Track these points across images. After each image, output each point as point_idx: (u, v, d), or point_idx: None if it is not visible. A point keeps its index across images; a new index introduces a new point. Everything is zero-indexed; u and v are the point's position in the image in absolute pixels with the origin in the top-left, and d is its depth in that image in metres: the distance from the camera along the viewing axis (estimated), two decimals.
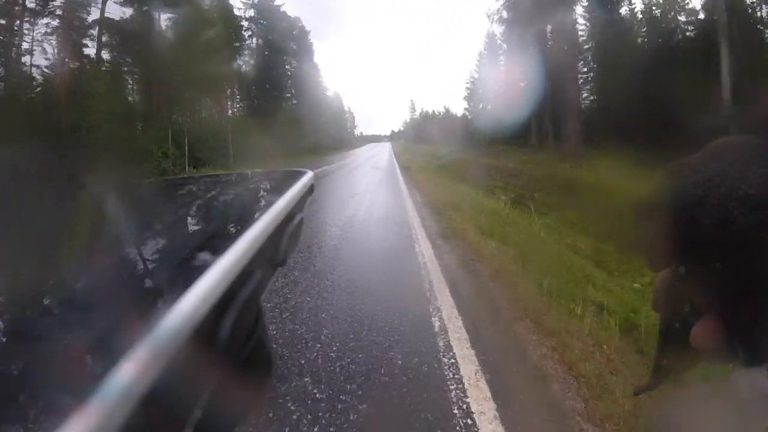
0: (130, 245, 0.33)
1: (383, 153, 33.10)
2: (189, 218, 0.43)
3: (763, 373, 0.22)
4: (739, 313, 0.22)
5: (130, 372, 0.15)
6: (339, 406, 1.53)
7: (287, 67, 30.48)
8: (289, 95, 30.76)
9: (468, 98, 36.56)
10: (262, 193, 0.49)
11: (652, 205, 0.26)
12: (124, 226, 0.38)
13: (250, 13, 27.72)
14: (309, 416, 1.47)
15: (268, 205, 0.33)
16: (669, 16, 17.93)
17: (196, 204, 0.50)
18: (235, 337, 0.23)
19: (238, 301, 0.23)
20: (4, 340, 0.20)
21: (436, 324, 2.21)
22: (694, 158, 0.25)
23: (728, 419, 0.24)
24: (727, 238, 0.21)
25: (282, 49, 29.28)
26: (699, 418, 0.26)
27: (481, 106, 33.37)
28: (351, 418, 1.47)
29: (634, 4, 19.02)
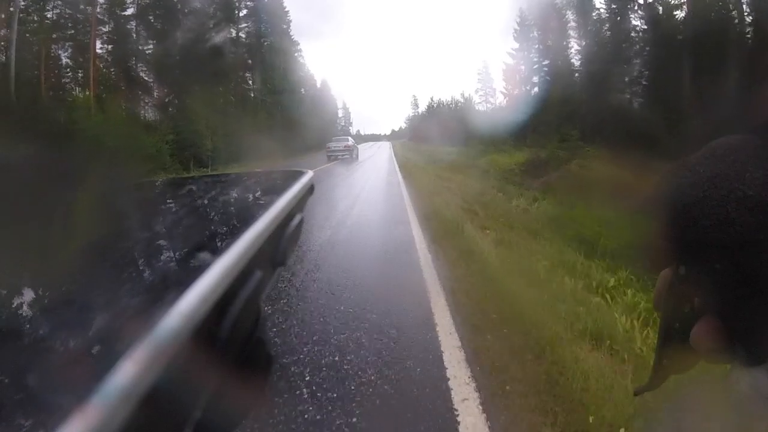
0: (130, 245, 0.33)
1: (380, 155, 22.61)
2: (189, 218, 0.43)
3: (763, 373, 0.22)
4: (739, 313, 0.22)
5: (130, 372, 0.15)
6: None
7: (231, 31, 19.19)
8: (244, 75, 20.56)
9: (491, 82, 25.65)
10: (262, 193, 0.49)
11: (652, 206, 0.26)
12: (125, 226, 0.38)
13: None
14: None
15: (268, 205, 0.33)
16: None
17: (196, 204, 0.50)
18: (235, 337, 0.23)
19: (238, 301, 0.23)
20: (4, 340, 0.20)
21: None
22: (694, 159, 0.25)
23: (728, 419, 0.24)
24: (725, 239, 0.21)
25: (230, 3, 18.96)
26: (699, 417, 0.26)
27: (525, 88, 21.99)
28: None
29: None
